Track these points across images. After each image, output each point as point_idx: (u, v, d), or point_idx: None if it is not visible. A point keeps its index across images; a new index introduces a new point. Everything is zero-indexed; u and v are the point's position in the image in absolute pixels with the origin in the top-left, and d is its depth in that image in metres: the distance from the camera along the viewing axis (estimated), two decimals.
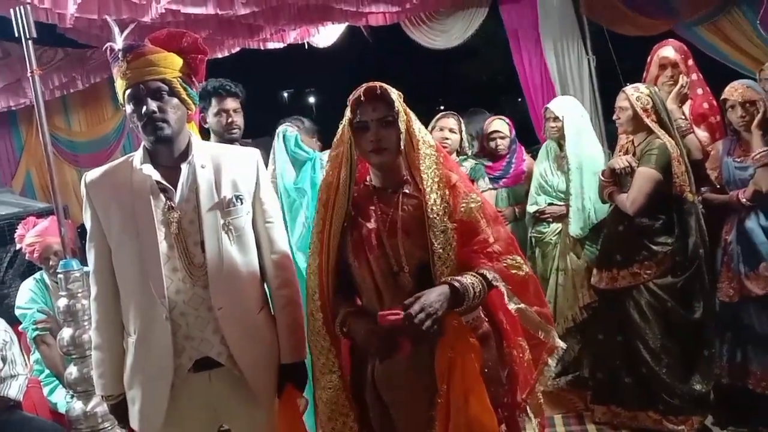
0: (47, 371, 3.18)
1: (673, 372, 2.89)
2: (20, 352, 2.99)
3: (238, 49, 5.55)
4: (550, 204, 3.54)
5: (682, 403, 2.87)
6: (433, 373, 1.70)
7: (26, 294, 3.16)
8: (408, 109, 1.84)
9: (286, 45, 5.87)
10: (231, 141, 2.87)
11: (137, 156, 1.82)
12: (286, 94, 23.38)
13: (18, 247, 3.21)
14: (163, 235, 1.76)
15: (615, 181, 3.06)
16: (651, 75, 3.38)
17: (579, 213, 3.40)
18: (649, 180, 2.89)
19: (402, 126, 1.78)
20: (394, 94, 1.79)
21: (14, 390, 2.87)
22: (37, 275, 3.25)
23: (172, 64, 1.76)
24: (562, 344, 1.96)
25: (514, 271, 1.82)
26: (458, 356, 1.68)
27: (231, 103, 2.90)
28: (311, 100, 20.99)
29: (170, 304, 1.75)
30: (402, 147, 1.79)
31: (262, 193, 1.90)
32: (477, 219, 1.79)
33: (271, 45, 5.81)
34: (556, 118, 3.52)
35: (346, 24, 5.69)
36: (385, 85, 1.79)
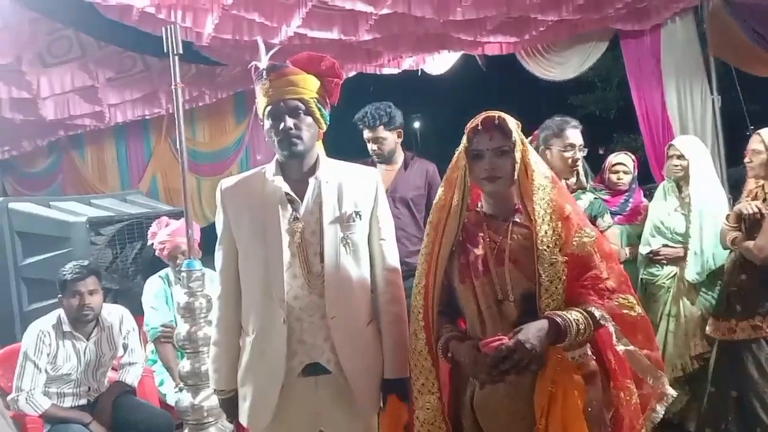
0: (160, 363, 3.41)
1: None
2: (139, 342, 3.21)
3: (354, 72, 5.77)
4: (665, 246, 3.39)
5: None
6: (532, 404, 1.68)
7: (152, 291, 3.42)
8: (525, 140, 1.85)
9: (401, 71, 6.04)
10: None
11: (269, 168, 1.94)
12: None
13: (150, 242, 3.48)
14: (287, 243, 1.86)
15: (740, 227, 2.90)
16: None
17: (697, 257, 3.23)
18: None
19: (518, 156, 1.78)
20: (513, 123, 1.80)
21: (131, 376, 3.10)
22: (162, 273, 3.50)
23: (310, 85, 1.87)
24: (672, 392, 1.87)
25: (625, 311, 1.76)
26: (559, 391, 1.65)
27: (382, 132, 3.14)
28: (416, 125, 21.25)
29: (288, 308, 1.85)
30: (516, 176, 1.80)
31: (379, 211, 1.97)
32: (590, 254, 1.76)
33: (387, 70, 5.99)
34: (681, 157, 3.37)
35: (462, 52, 5.78)
36: (504, 115, 1.80)
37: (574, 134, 2.74)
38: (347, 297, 1.88)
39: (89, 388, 2.99)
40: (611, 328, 1.72)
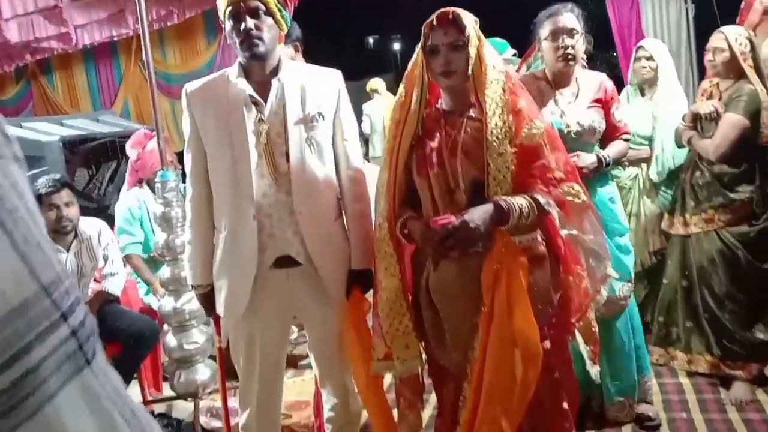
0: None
1: (735, 318, 2.88)
2: (119, 253, 3.31)
3: None
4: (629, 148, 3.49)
5: (742, 349, 2.86)
6: (480, 284, 1.83)
7: (126, 212, 3.49)
8: (482, 36, 1.90)
9: None
10: None
11: (232, 71, 1.99)
12: (371, 40, 23.38)
13: (135, 156, 3.49)
14: (253, 144, 1.94)
15: (696, 126, 3.00)
16: (750, 22, 3.24)
17: (659, 158, 3.35)
18: (736, 127, 2.82)
19: (472, 51, 1.85)
20: (468, 18, 1.85)
21: (114, 286, 3.22)
22: (136, 192, 3.55)
23: None
24: (614, 273, 2.02)
25: (570, 198, 1.89)
26: (504, 270, 1.79)
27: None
28: (396, 46, 20.89)
29: (257, 205, 1.95)
30: (471, 71, 1.87)
31: (341, 113, 2.05)
32: (539, 145, 1.85)
33: None
34: (650, 58, 3.39)
35: None
36: (458, 10, 1.86)
37: (565, 18, 2.47)
38: (313, 194, 1.98)
39: None
40: (554, 214, 1.84)
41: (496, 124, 1.83)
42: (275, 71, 1.98)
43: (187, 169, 2.07)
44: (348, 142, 2.07)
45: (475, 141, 1.86)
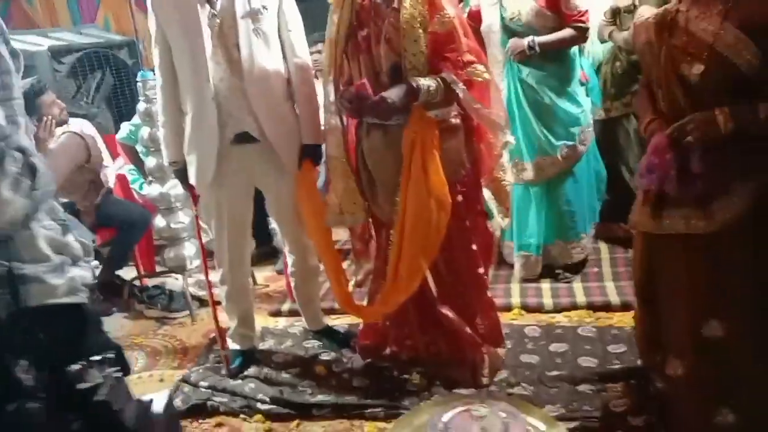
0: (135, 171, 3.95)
1: None
2: (106, 149, 3.69)
3: None
4: None
5: None
6: (401, 149, 2.25)
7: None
8: None
9: None
10: None
11: None
12: None
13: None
14: (208, 36, 2.31)
15: (616, 21, 3.35)
16: None
17: (591, 50, 3.66)
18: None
19: None
20: None
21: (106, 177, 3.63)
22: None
23: None
24: (512, 139, 2.44)
25: (475, 77, 2.28)
26: (418, 137, 2.22)
27: None
28: None
29: (216, 89, 2.35)
30: None
31: (284, 6, 2.41)
32: (450, 32, 2.22)
33: None
34: None
35: None
36: None
37: None
38: (262, 78, 2.37)
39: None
40: (459, 91, 2.23)
41: (411, 13, 2.19)
42: None
43: (156, 62, 2.45)
44: (292, 32, 2.45)
45: (395, 30, 2.23)
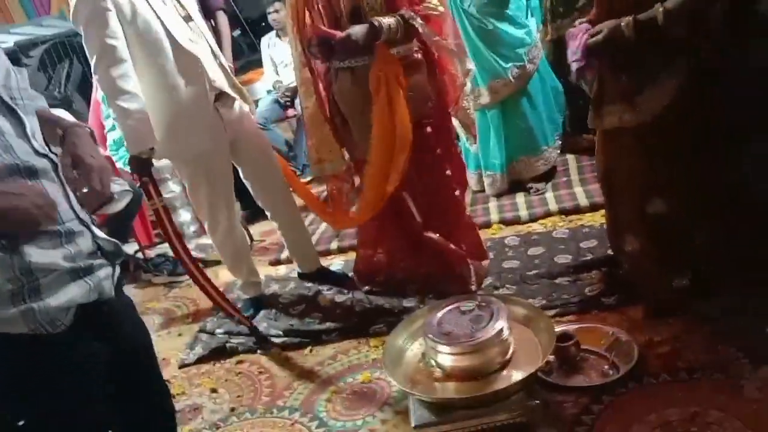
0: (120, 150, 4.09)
1: None
2: None
3: None
4: None
5: None
6: (368, 88, 2.43)
7: None
8: None
9: None
10: None
11: None
12: None
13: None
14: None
15: None
16: None
17: None
18: None
19: None
20: None
21: None
22: None
23: None
24: (472, 66, 2.63)
25: (431, 12, 2.45)
26: (383, 75, 2.40)
27: None
28: None
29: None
30: None
31: None
32: None
33: None
34: None
35: None
36: None
37: None
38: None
39: None
40: (417, 25, 2.40)
41: None
42: None
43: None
44: None
45: None
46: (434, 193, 2.66)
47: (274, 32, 4.76)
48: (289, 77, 4.66)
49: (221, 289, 3.17)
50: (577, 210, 3.16)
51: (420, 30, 2.42)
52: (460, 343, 1.75)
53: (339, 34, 2.35)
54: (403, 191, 2.60)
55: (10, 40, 4.48)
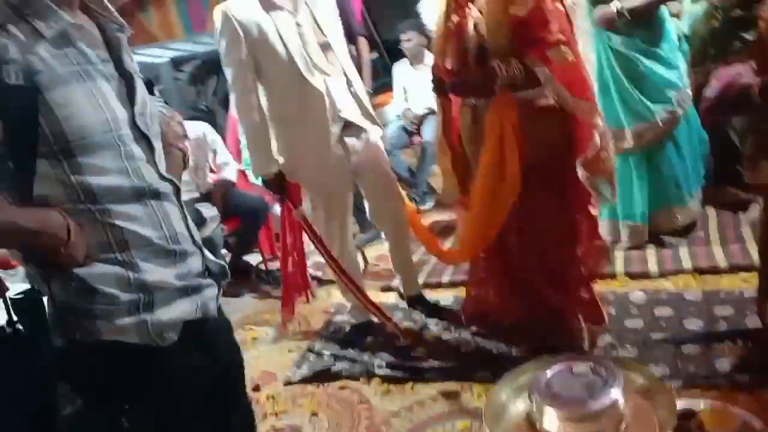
0: None
1: None
2: (225, 147, 4.04)
3: None
4: None
5: None
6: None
7: None
8: None
9: None
10: None
11: None
12: None
13: None
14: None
15: None
16: None
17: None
18: None
19: None
20: None
21: (229, 173, 3.98)
22: None
23: None
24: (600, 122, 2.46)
25: (559, 60, 2.28)
26: (497, 119, 2.34)
27: None
28: None
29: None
30: None
31: None
32: (535, 14, 2.27)
33: None
34: None
35: None
36: None
37: None
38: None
39: (196, 185, 3.89)
40: (539, 73, 2.28)
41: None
42: None
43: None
44: None
45: (480, 14, 2.34)
46: (544, 243, 2.52)
47: (406, 59, 4.82)
48: (418, 105, 4.70)
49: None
50: (714, 271, 2.90)
51: (541, 80, 2.32)
52: (570, 408, 1.65)
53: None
54: (511, 236, 2.52)
55: (166, 55, 4.87)
